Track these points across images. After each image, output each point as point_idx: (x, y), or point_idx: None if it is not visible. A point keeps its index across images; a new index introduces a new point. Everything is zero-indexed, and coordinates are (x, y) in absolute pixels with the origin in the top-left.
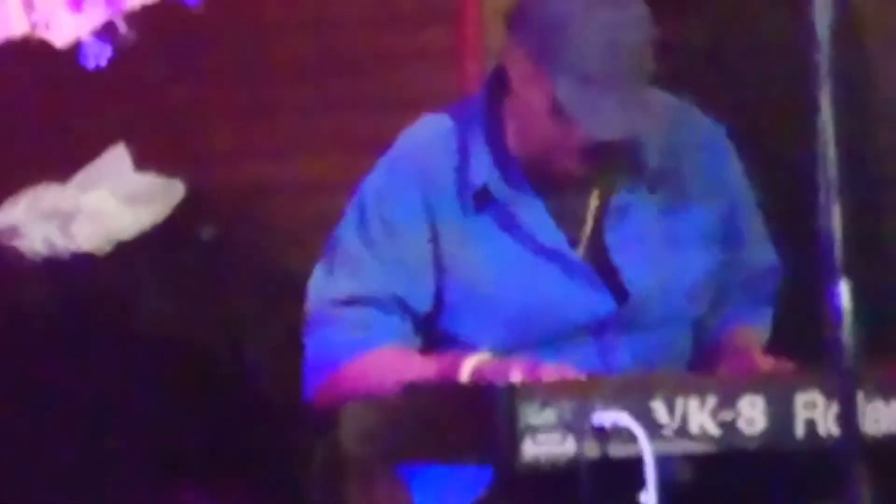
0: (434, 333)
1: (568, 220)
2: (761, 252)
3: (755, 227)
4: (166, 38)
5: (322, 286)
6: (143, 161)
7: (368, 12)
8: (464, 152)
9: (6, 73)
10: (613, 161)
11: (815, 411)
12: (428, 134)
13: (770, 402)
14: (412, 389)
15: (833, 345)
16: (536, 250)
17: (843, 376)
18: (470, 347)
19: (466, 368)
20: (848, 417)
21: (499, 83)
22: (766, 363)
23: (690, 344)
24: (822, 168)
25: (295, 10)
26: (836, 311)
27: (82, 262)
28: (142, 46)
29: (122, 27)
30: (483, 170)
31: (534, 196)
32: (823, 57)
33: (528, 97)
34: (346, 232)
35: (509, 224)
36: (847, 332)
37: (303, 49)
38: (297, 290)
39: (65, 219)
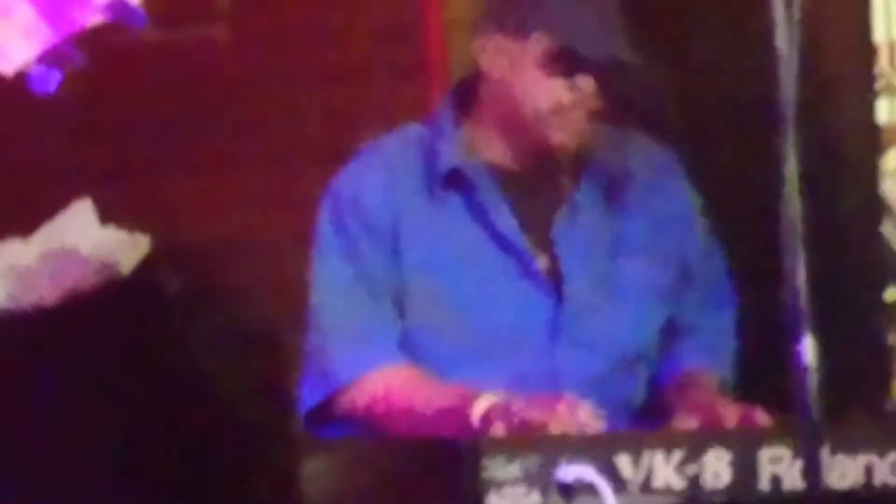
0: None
1: (528, 225)
2: (715, 290)
3: (711, 265)
4: (118, 72)
5: (322, 281)
6: (107, 215)
7: (335, 65)
8: (432, 147)
9: None
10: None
11: (781, 466)
12: (397, 135)
13: (735, 456)
14: (380, 441)
15: (798, 400)
16: (498, 242)
17: (809, 431)
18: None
19: (480, 406)
20: (813, 472)
21: (463, 97)
22: (731, 413)
23: (643, 378)
24: (789, 226)
25: (259, 63)
26: (802, 366)
27: (44, 317)
28: (92, 72)
29: (70, 51)
30: (453, 156)
31: (499, 195)
32: (790, 112)
33: (517, 76)
34: (325, 227)
35: (476, 209)
36: (812, 386)
37: (271, 103)
38: (262, 345)
39: (27, 274)
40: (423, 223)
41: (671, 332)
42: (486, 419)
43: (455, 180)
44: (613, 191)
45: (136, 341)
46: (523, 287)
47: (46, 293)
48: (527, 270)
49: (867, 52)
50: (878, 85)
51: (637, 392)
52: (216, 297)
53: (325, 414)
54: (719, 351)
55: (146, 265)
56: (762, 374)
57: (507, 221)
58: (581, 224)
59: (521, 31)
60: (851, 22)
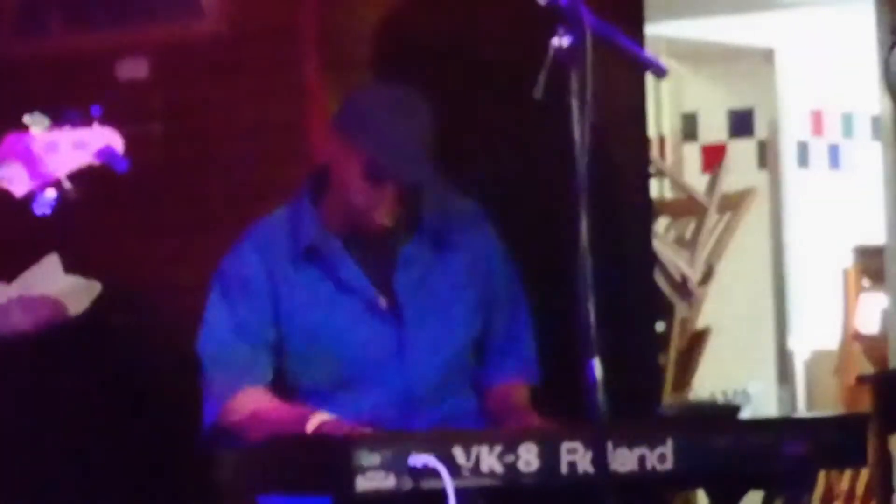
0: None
1: (372, 276)
2: (515, 311)
3: (510, 292)
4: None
5: (208, 329)
6: (69, 266)
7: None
8: (295, 226)
9: None
10: (406, 214)
11: (577, 455)
12: (269, 219)
13: (542, 448)
14: (275, 439)
15: (590, 406)
16: (348, 293)
17: (597, 429)
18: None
19: (313, 422)
20: (600, 460)
21: (317, 185)
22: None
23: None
24: (582, 277)
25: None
26: (592, 380)
27: (21, 343)
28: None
29: (66, 184)
30: (310, 235)
31: (346, 258)
32: (584, 192)
33: (347, 174)
34: (214, 293)
35: (330, 273)
36: (600, 396)
37: (197, 184)
38: (188, 365)
39: (5, 310)
40: (293, 288)
41: (483, 348)
42: (318, 431)
43: (312, 254)
44: (438, 240)
45: (89, 362)
46: (373, 324)
47: (21, 325)
48: (374, 311)
49: (642, 144)
50: (650, 169)
51: (463, 390)
52: (152, 328)
53: (218, 428)
54: (528, 367)
55: (97, 304)
56: (564, 386)
57: (353, 276)
58: (414, 270)
59: (350, 142)
60: (629, 123)
